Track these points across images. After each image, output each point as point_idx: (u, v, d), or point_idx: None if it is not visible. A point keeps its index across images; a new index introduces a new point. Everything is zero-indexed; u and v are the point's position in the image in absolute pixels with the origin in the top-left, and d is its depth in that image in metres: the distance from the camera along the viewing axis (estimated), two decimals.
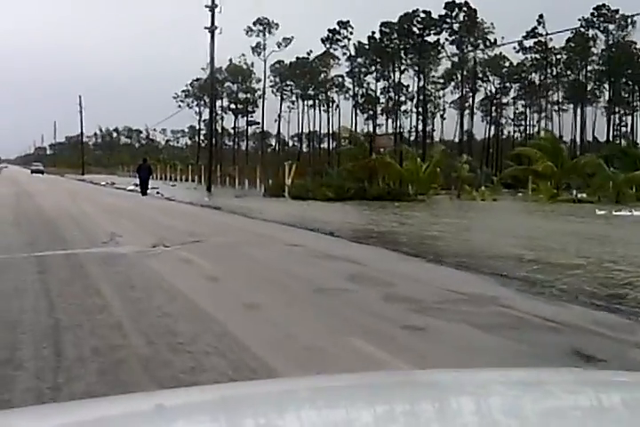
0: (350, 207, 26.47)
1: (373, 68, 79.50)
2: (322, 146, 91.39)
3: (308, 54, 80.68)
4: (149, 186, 36.63)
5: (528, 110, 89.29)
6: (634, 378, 1.81)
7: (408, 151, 33.92)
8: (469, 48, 76.05)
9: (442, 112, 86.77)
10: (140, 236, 14.06)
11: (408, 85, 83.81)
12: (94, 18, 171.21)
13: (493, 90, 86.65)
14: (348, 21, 77.98)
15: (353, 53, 78.42)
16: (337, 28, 78.00)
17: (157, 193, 35.89)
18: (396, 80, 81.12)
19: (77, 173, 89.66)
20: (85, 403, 1.88)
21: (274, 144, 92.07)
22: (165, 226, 16.72)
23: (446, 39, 75.77)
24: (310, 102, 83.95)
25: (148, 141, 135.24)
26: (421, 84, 78.52)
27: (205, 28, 38.64)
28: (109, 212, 21.25)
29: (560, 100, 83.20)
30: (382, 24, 75.37)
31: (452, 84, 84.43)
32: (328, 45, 79.55)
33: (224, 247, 12.59)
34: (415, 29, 74.34)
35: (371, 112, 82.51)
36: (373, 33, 76.32)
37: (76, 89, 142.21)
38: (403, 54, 76.72)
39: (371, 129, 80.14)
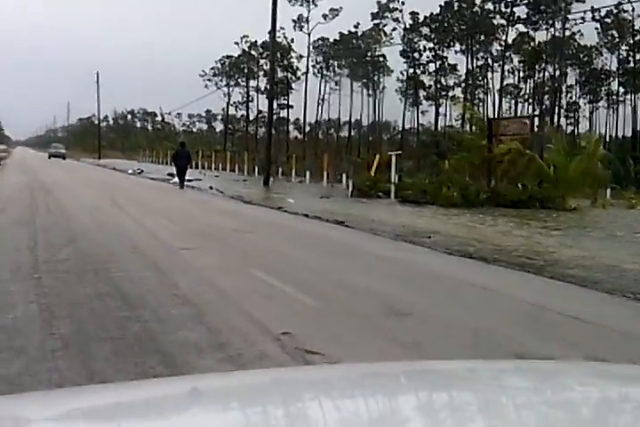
0: (528, 222, 18.20)
1: (430, 45, 70.74)
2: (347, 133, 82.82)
3: (356, 27, 71.79)
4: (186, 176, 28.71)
5: (582, 100, 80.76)
6: None
7: (558, 140, 25.52)
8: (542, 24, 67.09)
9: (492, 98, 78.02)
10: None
11: (457, 67, 75.30)
12: None
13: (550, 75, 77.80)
14: None
15: (408, 26, 69.50)
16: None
17: (211, 188, 27.73)
18: (472, 62, 72.53)
19: (92, 156, 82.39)
20: (119, 386, 1.89)
21: (310, 130, 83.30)
22: (334, 280, 8.57)
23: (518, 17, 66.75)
24: (357, 84, 75.08)
25: (164, 125, 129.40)
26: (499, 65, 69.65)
27: None
28: (187, 231, 13.12)
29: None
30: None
31: (507, 68, 75.75)
32: (378, 20, 70.79)
33: None
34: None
35: (425, 93, 73.90)
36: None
37: (90, 70, 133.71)
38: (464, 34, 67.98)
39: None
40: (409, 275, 8.87)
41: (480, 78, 77.41)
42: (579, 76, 79.82)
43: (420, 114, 74.03)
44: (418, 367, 1.84)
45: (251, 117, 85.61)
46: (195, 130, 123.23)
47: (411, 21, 69.18)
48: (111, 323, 5.78)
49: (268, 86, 34.87)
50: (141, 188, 27.18)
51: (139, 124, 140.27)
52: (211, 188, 27.87)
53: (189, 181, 30.46)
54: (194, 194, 25.43)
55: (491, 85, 76.84)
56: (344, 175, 33.55)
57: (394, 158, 24.88)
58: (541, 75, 74.54)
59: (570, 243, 13.65)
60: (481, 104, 77.57)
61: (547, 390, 1.48)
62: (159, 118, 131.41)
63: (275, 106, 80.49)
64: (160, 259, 9.14)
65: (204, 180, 35.53)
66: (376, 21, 70.89)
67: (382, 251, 11.25)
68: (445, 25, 68.31)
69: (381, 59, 74.73)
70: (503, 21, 66.93)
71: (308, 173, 37.82)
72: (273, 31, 34.31)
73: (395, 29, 70.66)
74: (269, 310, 6.33)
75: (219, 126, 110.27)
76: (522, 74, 77.50)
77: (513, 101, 79.69)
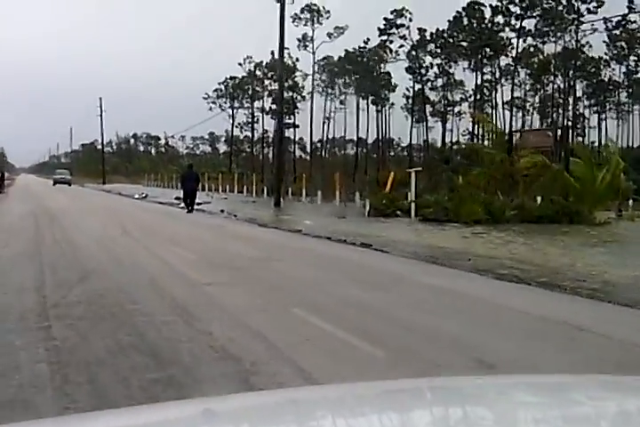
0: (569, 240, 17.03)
1: (437, 61, 69.90)
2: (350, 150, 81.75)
3: (366, 43, 70.89)
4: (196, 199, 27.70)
5: (587, 111, 79.72)
6: None
7: (584, 153, 24.37)
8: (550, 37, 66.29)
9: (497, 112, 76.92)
10: None
11: (462, 82, 74.43)
12: (110, 22, 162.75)
13: (558, 87, 76.85)
14: (404, 8, 68.24)
15: (415, 43, 68.68)
16: (394, 17, 68.44)
17: (222, 211, 26.68)
18: (475, 76, 71.81)
19: (97, 181, 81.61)
20: (130, 410, 1.92)
21: (315, 149, 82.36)
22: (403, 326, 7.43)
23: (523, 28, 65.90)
24: (363, 102, 74.10)
25: (168, 149, 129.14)
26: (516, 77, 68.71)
27: None
28: (206, 261, 12.01)
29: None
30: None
31: (509, 81, 74.77)
32: (385, 37, 69.98)
33: None
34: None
35: (431, 109, 72.96)
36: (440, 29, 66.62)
37: (92, 96, 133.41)
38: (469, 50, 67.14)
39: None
40: (473, 310, 7.70)
41: (487, 93, 76.54)
42: (586, 88, 78.95)
43: (427, 130, 72.99)
44: (423, 384, 1.83)
45: (255, 138, 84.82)
46: (198, 152, 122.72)
47: (418, 37, 68.43)
48: (138, 390, 4.65)
49: (276, 105, 33.78)
50: (150, 213, 26.14)
51: (142, 148, 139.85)
52: (222, 211, 26.80)
53: (199, 204, 29.47)
54: (205, 218, 24.37)
55: (499, 99, 76.05)
56: (357, 194, 32.52)
57: (413, 175, 23.79)
58: (549, 87, 73.66)
59: (620, 261, 12.54)
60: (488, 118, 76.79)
61: (556, 404, 1.46)
62: (163, 142, 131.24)
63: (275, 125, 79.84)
64: (184, 297, 8.00)
65: (212, 202, 34.51)
66: (383, 38, 70.14)
67: (426, 278, 10.11)
68: (451, 40, 67.48)
69: (386, 76, 73.90)
70: (512, 34, 66.18)
71: (319, 192, 36.77)
72: (281, 49, 33.44)
73: (402, 46, 69.84)
74: (331, 367, 5.18)
75: (222, 148, 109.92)
76: (528, 87, 76.73)
77: (519, 114, 78.78)
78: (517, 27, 65.48)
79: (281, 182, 33.21)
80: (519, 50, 68.32)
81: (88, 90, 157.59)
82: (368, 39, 71.03)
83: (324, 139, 79.40)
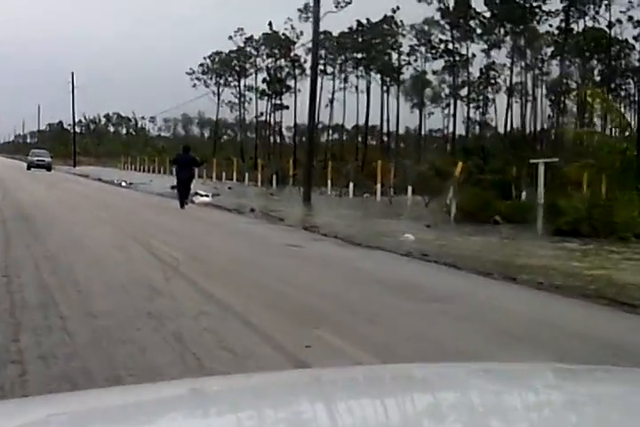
0: None
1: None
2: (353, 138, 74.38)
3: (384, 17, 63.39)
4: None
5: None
6: (615, 373, 1.81)
7: None
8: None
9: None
10: None
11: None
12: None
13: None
14: None
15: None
16: None
17: (253, 210, 20.03)
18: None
19: (67, 163, 74.16)
20: (120, 390, 1.94)
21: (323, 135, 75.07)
22: None
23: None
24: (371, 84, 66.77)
25: (138, 130, 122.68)
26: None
27: None
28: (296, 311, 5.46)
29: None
30: None
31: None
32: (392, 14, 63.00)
33: None
34: None
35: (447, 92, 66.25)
36: None
37: (60, 75, 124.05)
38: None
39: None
40: None
41: (497, 76, 70.06)
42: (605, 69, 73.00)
43: (451, 116, 66.19)
44: (382, 372, 1.81)
45: (247, 121, 77.79)
46: (168, 135, 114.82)
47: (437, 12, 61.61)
48: None
49: (310, 83, 26.99)
50: (155, 211, 19.12)
51: (112, 129, 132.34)
52: (252, 210, 20.10)
53: (207, 196, 22.89)
54: (234, 220, 17.75)
55: (508, 82, 69.44)
56: (409, 188, 26.02)
57: (542, 169, 17.25)
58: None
59: None
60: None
61: (514, 392, 1.48)
62: (133, 123, 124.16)
63: (267, 106, 72.39)
64: None
65: (222, 194, 27.81)
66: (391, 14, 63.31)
67: None
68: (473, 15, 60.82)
69: (395, 55, 66.79)
70: (540, 10, 59.86)
71: (351, 185, 30.09)
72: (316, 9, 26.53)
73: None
74: None
75: (194, 130, 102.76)
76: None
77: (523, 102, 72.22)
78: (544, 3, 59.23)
79: (311, 173, 26.48)
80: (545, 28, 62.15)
81: (57, 69, 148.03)
82: (392, 12, 63.54)
83: (330, 123, 72.08)
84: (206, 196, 22.31)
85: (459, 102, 69.63)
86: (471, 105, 70.04)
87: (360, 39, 63.90)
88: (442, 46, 64.15)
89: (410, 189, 25.53)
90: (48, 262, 8.65)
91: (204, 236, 13.24)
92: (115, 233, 12.33)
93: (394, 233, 14.56)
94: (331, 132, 74.12)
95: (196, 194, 22.71)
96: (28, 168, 50.46)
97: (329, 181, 32.22)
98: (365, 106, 66.02)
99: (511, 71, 64.75)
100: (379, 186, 27.66)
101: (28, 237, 11.18)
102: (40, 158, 53.18)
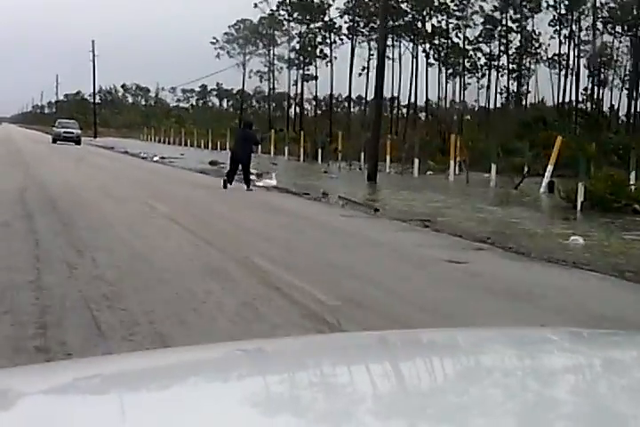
0: None
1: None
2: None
3: None
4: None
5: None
6: (631, 338, 1.76)
7: None
8: None
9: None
10: None
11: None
12: None
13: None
14: None
15: None
16: None
17: (325, 194, 16.54)
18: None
19: (86, 134, 70.76)
20: (141, 354, 1.95)
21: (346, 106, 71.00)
22: None
23: None
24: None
25: (157, 101, 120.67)
26: None
27: None
28: None
29: None
30: None
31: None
32: None
33: None
34: None
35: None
36: None
37: (80, 45, 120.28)
38: None
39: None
40: None
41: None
42: None
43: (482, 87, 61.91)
44: (396, 337, 1.76)
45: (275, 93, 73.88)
46: (187, 105, 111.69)
47: None
48: None
49: (378, 50, 23.25)
50: (219, 200, 15.52)
51: (130, 100, 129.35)
52: (325, 195, 16.55)
53: (269, 178, 19.44)
54: (320, 211, 14.20)
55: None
56: (493, 166, 22.40)
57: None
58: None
59: None
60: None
61: (529, 357, 1.45)
62: (152, 94, 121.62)
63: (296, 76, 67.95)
64: None
65: (273, 173, 24.28)
66: None
67: None
68: None
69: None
70: None
71: (417, 161, 26.45)
72: None
73: None
74: None
75: (214, 101, 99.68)
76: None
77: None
78: None
79: (377, 149, 22.85)
80: None
81: (73, 39, 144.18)
82: None
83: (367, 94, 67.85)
84: (269, 177, 18.89)
85: (494, 73, 65.78)
86: (511, 75, 66.03)
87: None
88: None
89: (494, 167, 21.91)
90: (113, 314, 5.11)
91: (319, 247, 9.17)
92: (196, 247, 8.44)
93: (547, 234, 11.04)
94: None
95: (255, 174, 19.24)
96: (54, 141, 44.47)
97: (387, 157, 28.51)
98: (410, 78, 61.90)
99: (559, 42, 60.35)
100: (452, 163, 24.01)
101: (69, 252, 7.52)
102: (68, 130, 46.90)
